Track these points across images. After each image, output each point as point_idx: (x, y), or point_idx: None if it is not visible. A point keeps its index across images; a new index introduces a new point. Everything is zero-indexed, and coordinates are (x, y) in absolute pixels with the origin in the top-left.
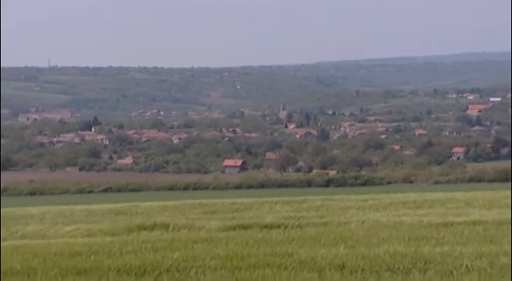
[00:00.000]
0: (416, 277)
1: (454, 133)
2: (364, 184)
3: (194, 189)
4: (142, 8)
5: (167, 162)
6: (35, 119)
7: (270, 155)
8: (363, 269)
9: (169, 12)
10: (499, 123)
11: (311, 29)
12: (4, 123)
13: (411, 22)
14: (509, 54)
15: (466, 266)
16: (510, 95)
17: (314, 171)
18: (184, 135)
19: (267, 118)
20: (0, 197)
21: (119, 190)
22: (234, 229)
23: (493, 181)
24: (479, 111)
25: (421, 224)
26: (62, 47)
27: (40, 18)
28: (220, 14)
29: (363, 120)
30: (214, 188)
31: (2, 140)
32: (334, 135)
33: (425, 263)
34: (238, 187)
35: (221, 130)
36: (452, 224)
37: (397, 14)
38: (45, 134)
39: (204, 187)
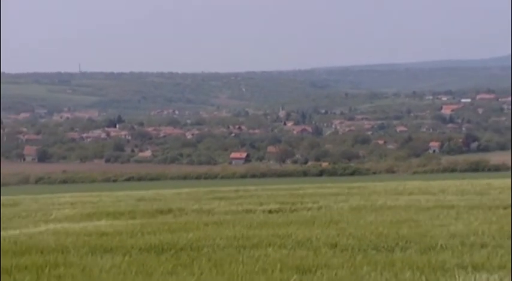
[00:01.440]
0: (398, 254)
1: (431, 130)
2: (352, 174)
3: (205, 178)
4: (158, 21)
5: (181, 155)
6: (67, 118)
7: (271, 148)
8: (352, 248)
9: (182, 26)
10: (469, 121)
11: (307, 39)
12: (41, 121)
13: (394, 34)
14: (477, 62)
15: (441, 245)
16: (478, 97)
17: (309, 163)
18: (196, 132)
19: (268, 117)
20: (0, 190)
21: (140, 179)
22: (240, 213)
23: (464, 171)
24: (452, 110)
25: (402, 209)
26: (90, 55)
27: (71, 30)
28: (228, 26)
29: (351, 119)
30: (222, 177)
31: (39, 135)
32: (327, 132)
33: (405, 242)
34: (243, 176)
35: (228, 127)
36: (428, 209)
37: (382, 26)
38: (76, 131)
39: (214, 177)
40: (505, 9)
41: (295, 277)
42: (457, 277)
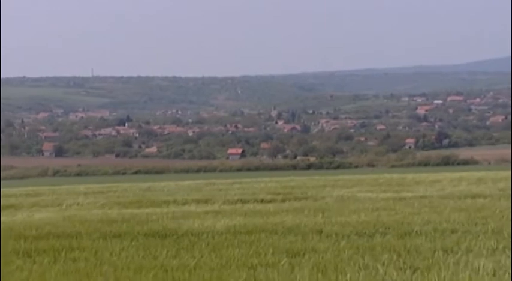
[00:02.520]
0: (377, 239)
1: (407, 128)
2: (337, 168)
3: (205, 171)
4: (164, 30)
5: (184, 150)
6: (81, 117)
7: (264, 145)
8: (336, 234)
9: (186, 35)
10: (440, 120)
11: (296, 47)
12: (58, 120)
13: (374, 42)
14: (449, 68)
15: (416, 231)
16: (449, 99)
17: (298, 157)
18: (197, 130)
19: (262, 116)
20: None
21: (146, 172)
22: (236, 203)
23: (437, 165)
24: (426, 111)
25: (381, 199)
26: (102, 60)
27: (85, 37)
28: (225, 35)
29: (335, 118)
30: (220, 171)
31: (56, 133)
32: (314, 130)
33: (385, 228)
34: (239, 169)
35: (226, 126)
36: (405, 198)
37: (363, 36)
38: (89, 129)
39: (212, 170)
40: (472, 18)
41: (285, 259)
42: (430, 259)
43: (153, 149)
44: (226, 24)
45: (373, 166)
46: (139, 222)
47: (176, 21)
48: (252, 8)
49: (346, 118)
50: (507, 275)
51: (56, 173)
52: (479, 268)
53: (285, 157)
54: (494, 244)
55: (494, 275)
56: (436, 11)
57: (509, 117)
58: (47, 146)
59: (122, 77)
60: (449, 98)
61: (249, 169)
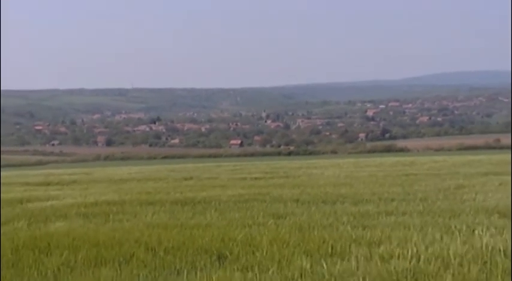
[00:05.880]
0: (338, 206)
1: (359, 125)
2: (309, 154)
3: (214, 157)
4: (185, 51)
5: (198, 142)
6: (124, 118)
7: (257, 138)
8: (308, 202)
9: (201, 54)
10: (384, 119)
11: (281, 65)
12: (107, 120)
13: (339, 60)
14: (389, 82)
15: (366, 199)
16: (390, 104)
17: (281, 147)
18: (208, 127)
19: (255, 117)
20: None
21: (171, 158)
22: (236, 179)
23: (381, 152)
24: (373, 113)
25: (341, 176)
26: (139, 76)
27: (126, 58)
28: (229, 57)
29: (309, 118)
30: (225, 157)
31: (106, 129)
32: (293, 127)
33: (343, 198)
34: (238, 155)
35: (228, 124)
36: (358, 176)
37: (330, 55)
38: (130, 126)
39: (219, 156)
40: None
41: (271, 220)
42: (376, 220)
43: (176, 140)
44: (229, 47)
45: (335, 153)
46: (167, 193)
47: (192, 43)
48: (248, 39)
49: (316, 118)
50: (430, 229)
51: (106, 158)
52: (410, 225)
53: (272, 146)
54: (421, 208)
55: (421, 230)
56: (388, 35)
57: (433, 118)
58: (100, 139)
59: (153, 89)
60: (390, 104)
61: (245, 155)
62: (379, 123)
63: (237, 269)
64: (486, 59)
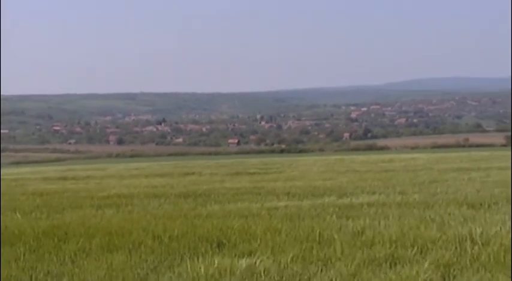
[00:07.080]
0: (325, 198)
1: (344, 126)
2: (299, 152)
3: (214, 155)
4: (188, 59)
5: (200, 141)
6: (133, 119)
7: (252, 137)
8: (299, 195)
9: (202, 63)
10: (366, 121)
11: (274, 72)
12: (118, 121)
13: (325, 66)
14: (371, 87)
15: (350, 192)
16: (371, 107)
17: (274, 145)
18: (208, 127)
19: (250, 118)
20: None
21: (176, 155)
22: (233, 174)
23: (363, 150)
24: (357, 115)
25: (328, 171)
26: (146, 82)
27: (134, 65)
28: (226, 64)
29: (299, 119)
30: (223, 155)
31: (117, 129)
32: (284, 127)
33: (330, 191)
34: (236, 153)
35: (227, 125)
36: (343, 172)
37: (316, 61)
38: (138, 126)
39: (218, 154)
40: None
41: (265, 211)
42: (358, 211)
43: (180, 140)
44: (227, 56)
45: (323, 151)
46: (171, 187)
47: (194, 52)
48: (245, 47)
49: (305, 120)
50: (407, 219)
51: (117, 155)
52: (390, 215)
53: (266, 145)
54: (399, 200)
55: (399, 220)
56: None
57: (409, 119)
58: (112, 138)
59: (160, 93)
60: (371, 107)
61: (242, 153)
62: (362, 124)
63: (235, 255)
64: (456, 66)
